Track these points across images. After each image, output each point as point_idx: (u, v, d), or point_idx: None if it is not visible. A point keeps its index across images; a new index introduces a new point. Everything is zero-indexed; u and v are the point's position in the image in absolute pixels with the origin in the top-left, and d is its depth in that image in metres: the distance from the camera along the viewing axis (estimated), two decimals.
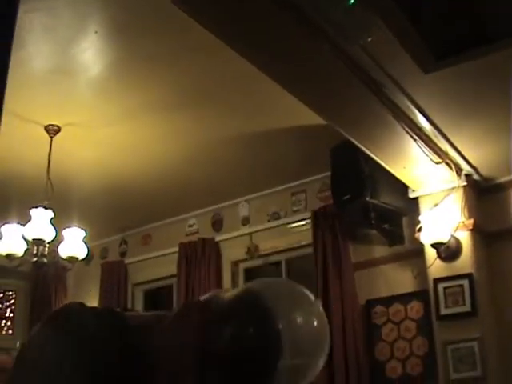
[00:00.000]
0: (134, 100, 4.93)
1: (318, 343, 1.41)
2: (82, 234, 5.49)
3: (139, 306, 7.25)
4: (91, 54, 4.47)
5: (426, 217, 5.06)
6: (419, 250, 5.19)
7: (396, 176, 5.05)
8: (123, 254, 7.39)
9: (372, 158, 4.80)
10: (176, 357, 1.41)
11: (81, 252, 5.47)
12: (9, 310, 7.70)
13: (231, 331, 1.36)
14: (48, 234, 5.19)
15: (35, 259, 5.24)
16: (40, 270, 7.07)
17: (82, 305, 1.51)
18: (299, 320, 1.38)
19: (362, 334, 5.38)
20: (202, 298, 1.48)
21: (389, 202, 5.21)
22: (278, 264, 6.39)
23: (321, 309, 1.44)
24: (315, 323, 1.41)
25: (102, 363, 1.40)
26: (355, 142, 4.61)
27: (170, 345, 1.42)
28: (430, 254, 5.07)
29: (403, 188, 5.26)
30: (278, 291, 1.44)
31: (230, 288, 1.50)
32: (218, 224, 6.67)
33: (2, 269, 6.52)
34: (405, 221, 5.50)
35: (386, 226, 5.35)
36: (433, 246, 4.97)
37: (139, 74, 4.64)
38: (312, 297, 1.46)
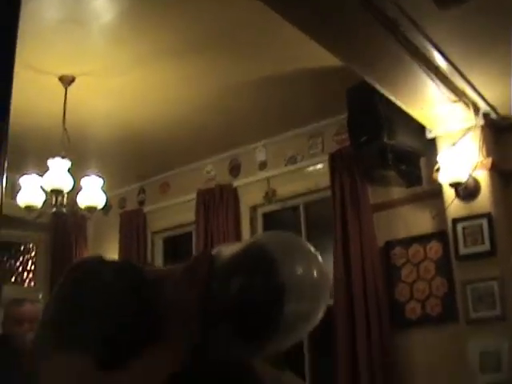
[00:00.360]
0: (146, 47, 4.90)
1: (318, 291, 1.47)
2: (100, 182, 5.50)
3: (159, 254, 7.31)
4: (102, 1, 4.43)
5: (443, 157, 5.03)
6: (437, 190, 5.18)
7: (413, 116, 5.01)
8: (142, 203, 7.42)
9: (389, 99, 4.76)
10: (183, 308, 1.45)
11: (99, 201, 5.49)
12: (30, 262, 7.77)
13: (237, 283, 1.39)
14: (66, 184, 5.20)
15: (54, 210, 5.27)
16: (59, 221, 7.14)
17: (101, 258, 1.54)
18: (302, 270, 1.43)
19: (382, 276, 5.40)
20: (212, 251, 1.52)
21: (406, 143, 5.17)
22: (295, 208, 6.39)
23: (320, 259, 1.50)
24: (316, 273, 1.46)
25: (118, 316, 1.44)
26: (371, 83, 4.58)
27: (178, 297, 1.47)
28: (449, 194, 5.05)
29: (420, 128, 5.22)
30: (282, 244, 1.48)
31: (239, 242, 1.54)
32: (235, 169, 6.67)
33: (21, 221, 6.55)
34: (422, 161, 5.46)
35: (403, 167, 5.31)
36: (451, 185, 4.96)
37: (151, 20, 4.60)
38: (312, 249, 1.51)
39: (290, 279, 1.40)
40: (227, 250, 1.48)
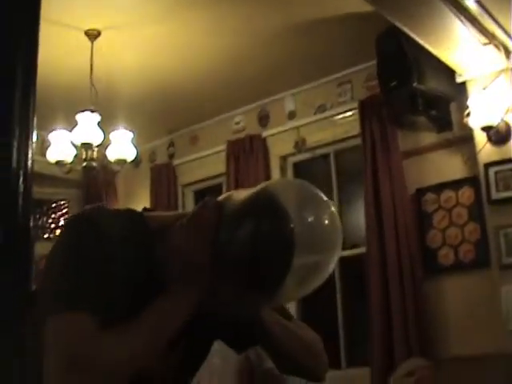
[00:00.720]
0: None
1: (330, 241, 1.44)
2: (130, 135, 5.51)
3: (190, 206, 7.33)
4: None
5: (474, 101, 4.97)
6: (468, 135, 5.13)
7: (443, 61, 4.95)
8: (171, 156, 7.43)
9: (418, 44, 4.70)
10: (190, 256, 1.44)
11: (129, 154, 5.51)
12: (62, 219, 7.84)
13: (245, 229, 1.38)
14: (96, 138, 5.22)
15: (84, 164, 5.29)
16: (90, 177, 7.18)
17: (101, 208, 1.54)
18: (312, 219, 1.42)
19: (413, 223, 5.38)
20: (219, 197, 1.50)
21: (436, 88, 5.12)
22: (326, 157, 6.37)
23: (333, 209, 1.47)
24: (327, 222, 1.43)
25: (120, 264, 1.44)
26: (401, 27, 4.51)
27: (184, 243, 1.46)
28: (480, 138, 5.01)
29: (450, 73, 5.16)
30: (292, 191, 1.47)
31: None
32: (264, 120, 6.64)
33: (52, 178, 6.60)
34: (453, 106, 5.40)
35: (433, 112, 5.27)
36: (482, 129, 4.91)
37: None
38: (325, 197, 1.47)
39: (301, 227, 1.37)
40: (236, 196, 1.46)
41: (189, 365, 1.70)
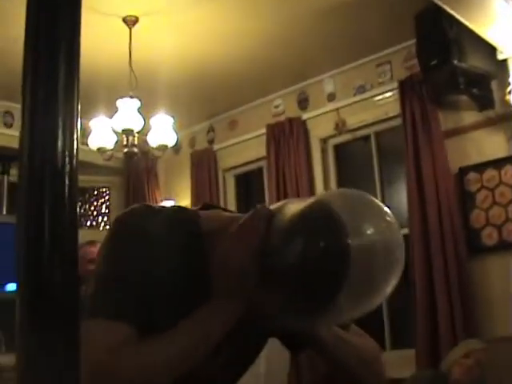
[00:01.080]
0: None
1: (389, 257, 1.34)
2: (170, 120, 5.53)
3: (231, 191, 7.35)
4: None
5: None
6: (510, 113, 5.07)
7: (483, 38, 4.88)
8: (211, 142, 7.45)
9: (458, 21, 4.64)
10: (236, 263, 1.41)
11: (170, 139, 5.53)
12: (104, 206, 7.92)
13: (297, 243, 1.32)
14: (136, 124, 5.25)
15: (125, 150, 5.34)
16: (131, 163, 7.23)
17: (150, 207, 1.52)
18: (370, 233, 1.31)
19: (456, 203, 5.34)
20: (272, 206, 1.46)
21: (477, 66, 5.05)
22: (366, 138, 6.34)
23: (394, 221, 1.37)
24: (387, 237, 1.34)
25: (166, 268, 1.43)
26: (440, 5, 4.46)
27: (231, 251, 1.42)
28: None
29: (491, 50, 5.10)
30: (349, 203, 1.38)
31: (302, 199, 1.43)
32: (303, 102, 6.62)
33: (93, 166, 6.67)
34: (494, 84, 5.33)
35: (474, 90, 5.20)
36: None
37: None
38: (385, 208, 1.39)
39: (357, 242, 1.29)
40: (290, 207, 1.40)
41: (238, 364, 1.68)
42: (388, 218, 1.36)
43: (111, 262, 1.42)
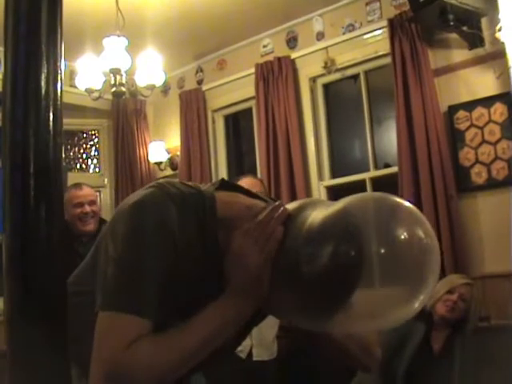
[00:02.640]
0: None
1: (416, 269, 1.30)
2: (158, 58, 5.47)
3: (220, 131, 7.33)
4: None
5: (506, 15, 4.85)
6: (500, 51, 5.02)
7: None
8: (200, 82, 7.40)
9: None
10: (250, 265, 1.41)
11: (158, 78, 5.49)
12: (93, 148, 7.89)
13: (315, 251, 1.32)
14: (124, 62, 5.20)
15: (113, 89, 5.29)
16: (119, 105, 7.18)
17: (168, 193, 1.47)
18: (393, 246, 1.28)
19: (446, 141, 5.33)
20: (290, 206, 1.45)
21: (467, 2, 4.99)
22: (355, 77, 6.30)
23: (427, 226, 1.33)
24: (415, 248, 1.29)
25: (188, 260, 1.44)
26: None
27: (246, 251, 1.42)
28: None
29: None
30: (373, 210, 1.36)
31: (321, 200, 1.38)
32: (292, 41, 6.57)
33: (82, 109, 6.63)
34: (484, 22, 5.28)
35: (464, 28, 5.15)
36: None
37: None
38: (415, 212, 1.35)
39: (378, 255, 1.27)
40: (311, 211, 1.39)
41: (240, 336, 1.71)
42: (416, 223, 1.33)
43: (135, 254, 1.40)
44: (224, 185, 1.58)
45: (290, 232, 1.38)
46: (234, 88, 6.98)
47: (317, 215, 1.35)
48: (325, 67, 6.23)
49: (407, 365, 4.20)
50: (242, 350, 4.35)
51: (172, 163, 7.40)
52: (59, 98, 0.82)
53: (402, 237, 1.29)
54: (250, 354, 4.39)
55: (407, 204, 1.38)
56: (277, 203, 1.45)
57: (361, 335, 1.68)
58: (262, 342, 4.42)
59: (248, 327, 1.71)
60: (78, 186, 4.69)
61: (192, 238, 1.45)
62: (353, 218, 1.31)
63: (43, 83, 0.81)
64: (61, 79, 0.84)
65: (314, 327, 1.46)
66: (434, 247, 1.31)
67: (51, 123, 0.79)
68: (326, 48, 6.26)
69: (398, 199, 1.40)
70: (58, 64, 0.83)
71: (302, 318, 1.41)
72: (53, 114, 0.80)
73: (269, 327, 4.47)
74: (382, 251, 1.26)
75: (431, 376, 4.21)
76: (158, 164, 7.34)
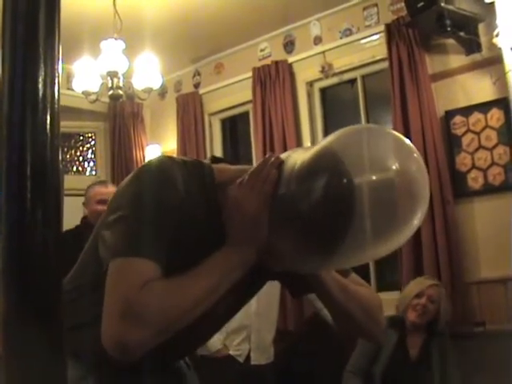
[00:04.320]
0: None
1: (403, 202, 1.34)
2: (155, 60, 5.48)
3: (217, 135, 7.34)
4: None
5: (503, 20, 4.86)
6: (497, 56, 5.03)
7: None
8: (197, 86, 7.40)
9: None
10: (248, 210, 1.46)
11: (155, 81, 5.49)
12: (90, 151, 7.88)
13: (305, 187, 1.36)
14: (121, 65, 5.21)
15: (111, 92, 5.29)
16: (116, 108, 7.19)
17: (171, 158, 1.57)
18: (380, 175, 1.33)
19: (442, 146, 5.34)
20: (282, 155, 1.50)
21: (464, 8, 5.01)
22: (352, 81, 6.31)
23: (416, 156, 1.37)
24: (403, 176, 1.34)
25: (186, 213, 1.49)
26: None
27: (244, 198, 1.47)
28: (509, 58, 4.91)
29: None
30: (357, 144, 1.39)
31: (309, 146, 1.44)
32: (289, 46, 6.57)
33: (79, 111, 6.63)
34: (481, 27, 5.29)
35: (462, 33, 5.16)
36: None
37: None
38: (409, 144, 1.39)
39: (366, 184, 1.31)
40: (297, 155, 1.45)
41: (237, 301, 1.75)
42: (405, 153, 1.38)
43: (142, 206, 1.46)
44: (216, 160, 1.68)
45: (284, 174, 1.43)
46: (231, 92, 6.99)
47: (306, 154, 1.40)
48: (322, 71, 6.24)
49: (384, 371, 4.26)
50: (240, 353, 4.37)
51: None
52: (57, 101, 0.83)
53: (394, 166, 1.33)
54: (247, 358, 4.41)
55: (395, 133, 1.43)
56: (268, 154, 1.52)
57: (369, 307, 1.70)
58: (259, 345, 4.43)
59: (248, 294, 1.79)
60: (103, 183, 4.77)
61: (195, 199, 1.51)
62: (341, 149, 1.36)
63: (41, 85, 0.81)
64: (58, 82, 0.84)
65: (314, 268, 1.51)
66: (423, 174, 1.38)
67: (48, 125, 0.80)
68: (324, 52, 6.27)
69: (388, 129, 1.46)
70: (56, 66, 0.83)
71: (302, 260, 1.45)
72: (50, 117, 0.80)
73: (266, 332, 4.50)
74: (373, 178, 1.31)
75: (410, 381, 4.25)
76: None
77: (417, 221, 1.34)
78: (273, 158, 1.48)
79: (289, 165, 1.43)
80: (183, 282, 1.42)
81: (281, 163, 1.46)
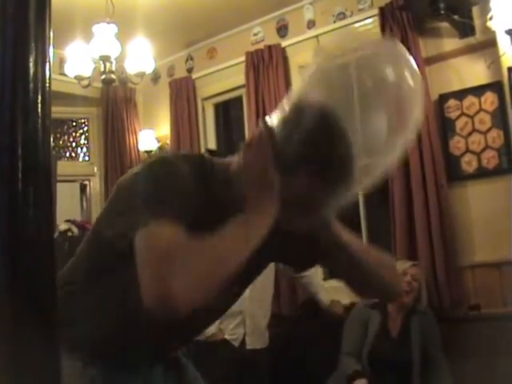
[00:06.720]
0: None
1: (401, 103, 1.45)
2: (147, 44, 5.46)
3: (210, 120, 7.33)
4: None
5: (497, 3, 4.85)
6: (491, 39, 5.03)
7: None
8: (190, 70, 7.38)
9: None
10: (260, 172, 1.50)
11: (148, 65, 5.47)
12: (83, 137, 7.86)
13: (298, 137, 1.45)
14: (113, 50, 5.18)
15: (103, 76, 5.27)
16: (109, 91, 7.16)
17: (177, 154, 1.70)
18: (368, 118, 1.43)
19: (436, 130, 5.33)
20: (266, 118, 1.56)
21: None
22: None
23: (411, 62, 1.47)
24: (387, 110, 1.46)
25: (196, 202, 1.52)
26: None
27: (252, 163, 1.52)
28: (503, 42, 4.90)
29: None
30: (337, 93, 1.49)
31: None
32: (283, 30, 6.55)
33: (72, 96, 6.60)
34: (475, 11, 5.27)
35: (455, 16, 5.15)
36: (506, 32, 4.80)
37: None
38: (409, 61, 1.48)
39: (353, 129, 1.39)
40: (278, 114, 1.54)
41: (239, 284, 1.77)
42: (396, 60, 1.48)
43: (159, 190, 1.49)
44: (210, 153, 1.81)
45: (275, 126, 1.52)
46: (224, 76, 6.97)
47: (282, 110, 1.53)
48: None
49: (370, 350, 4.45)
50: (236, 338, 4.38)
51: (162, 152, 7.38)
52: (48, 80, 0.81)
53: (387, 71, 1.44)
54: (242, 343, 4.42)
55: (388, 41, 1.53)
56: (258, 121, 1.60)
57: (385, 260, 1.79)
58: (254, 330, 4.44)
59: (249, 277, 1.81)
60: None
61: (199, 191, 1.54)
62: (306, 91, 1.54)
63: (31, 64, 0.80)
64: (50, 61, 0.83)
65: (342, 198, 1.52)
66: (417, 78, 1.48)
67: (40, 105, 0.78)
68: (317, 36, 6.25)
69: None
70: (47, 46, 0.82)
71: (324, 198, 1.49)
72: (41, 96, 0.79)
73: (261, 316, 4.51)
74: (370, 84, 1.43)
75: (392, 356, 4.40)
76: (148, 152, 7.32)
77: (418, 112, 1.45)
78: (265, 126, 1.55)
79: (276, 118, 1.53)
80: (213, 242, 1.42)
81: (273, 129, 1.52)
